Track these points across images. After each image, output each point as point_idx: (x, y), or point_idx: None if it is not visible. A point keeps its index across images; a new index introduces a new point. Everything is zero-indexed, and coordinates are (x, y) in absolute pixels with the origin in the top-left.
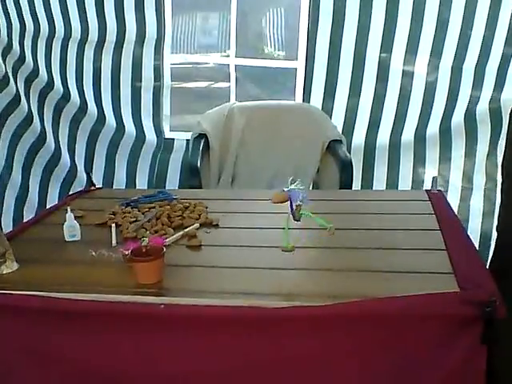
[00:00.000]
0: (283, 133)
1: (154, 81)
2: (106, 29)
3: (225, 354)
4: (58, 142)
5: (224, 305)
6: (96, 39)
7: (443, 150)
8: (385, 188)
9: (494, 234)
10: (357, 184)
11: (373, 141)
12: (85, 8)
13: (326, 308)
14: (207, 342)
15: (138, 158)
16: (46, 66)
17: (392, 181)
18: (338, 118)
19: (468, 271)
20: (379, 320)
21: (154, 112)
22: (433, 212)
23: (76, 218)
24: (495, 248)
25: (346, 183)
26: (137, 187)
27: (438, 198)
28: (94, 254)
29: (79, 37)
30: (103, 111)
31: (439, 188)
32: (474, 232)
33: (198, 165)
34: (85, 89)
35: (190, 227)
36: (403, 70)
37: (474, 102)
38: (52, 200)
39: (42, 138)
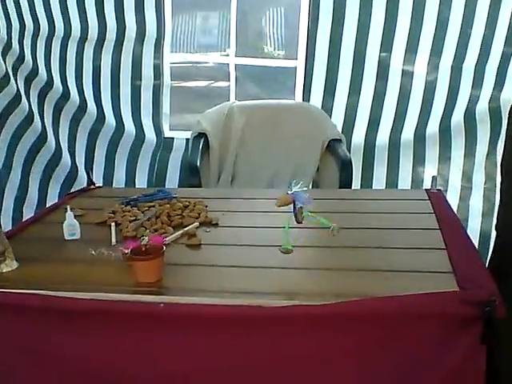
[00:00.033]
0: (283, 132)
1: (154, 80)
2: (105, 27)
3: (224, 352)
4: (59, 141)
5: (224, 304)
6: (96, 38)
7: (443, 150)
8: (384, 187)
9: (494, 234)
10: (356, 183)
11: (372, 140)
12: (85, 7)
13: (325, 307)
14: (207, 340)
15: (137, 157)
16: (45, 65)
17: (391, 180)
18: (337, 117)
19: (467, 271)
20: (379, 319)
21: (153, 111)
22: (432, 211)
23: (76, 216)
24: (494, 247)
25: (346, 182)
26: (136, 186)
27: (437, 198)
28: (93, 252)
29: (79, 35)
30: (103, 110)
31: (439, 187)
32: (473, 231)
33: (198, 164)
34: (84, 88)
35: (190, 226)
36: (403, 69)
37: (473, 101)
38: (52, 200)
39: (42, 138)
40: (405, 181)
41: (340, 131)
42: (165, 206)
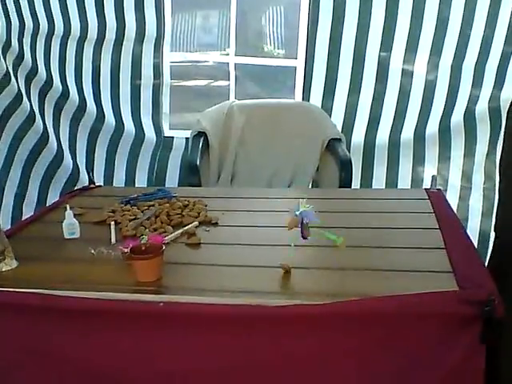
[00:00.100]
0: (283, 131)
1: (154, 79)
2: (105, 26)
3: (224, 352)
4: (60, 142)
5: (223, 303)
6: (95, 37)
7: (442, 149)
8: (384, 187)
9: (493, 234)
10: (356, 183)
11: (372, 139)
12: (84, 6)
13: (325, 307)
14: (206, 340)
15: (137, 156)
16: (45, 64)
17: (391, 179)
18: (337, 117)
19: (467, 270)
20: (378, 319)
21: (153, 110)
22: (432, 211)
23: (75, 215)
24: (493, 247)
25: (346, 182)
26: (136, 185)
27: (437, 197)
28: (93, 251)
29: (79, 34)
30: (102, 109)
31: (438, 187)
32: (472, 231)
33: (198, 163)
34: (84, 87)
35: (190, 225)
36: (403, 69)
37: (473, 100)
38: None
39: (44, 138)
40: (404, 180)
41: (340, 131)
42: (164, 205)
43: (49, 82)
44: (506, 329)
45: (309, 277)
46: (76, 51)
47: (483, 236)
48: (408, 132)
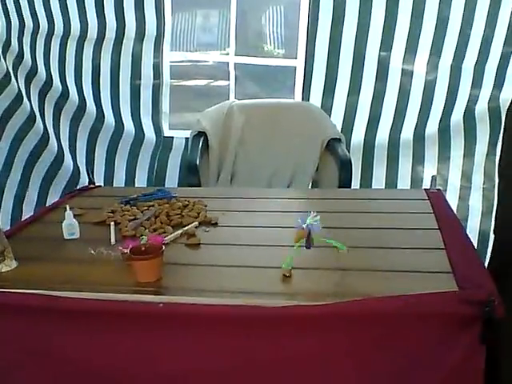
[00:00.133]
0: (282, 131)
1: (154, 79)
2: (105, 26)
3: (224, 352)
4: (60, 143)
5: (223, 304)
6: (95, 37)
7: (442, 149)
8: (384, 187)
9: (492, 234)
10: (356, 183)
11: (372, 139)
12: (84, 5)
13: (325, 307)
14: (206, 340)
15: (137, 156)
16: (44, 64)
17: (391, 180)
18: (337, 117)
19: (467, 270)
20: (378, 319)
21: (153, 110)
22: (432, 211)
23: (75, 216)
24: (493, 249)
25: (345, 182)
26: (136, 185)
27: (436, 197)
28: (92, 252)
29: (78, 34)
30: (102, 109)
31: (438, 187)
32: (472, 231)
33: (197, 163)
34: (84, 87)
35: (189, 226)
36: (403, 69)
37: (473, 100)
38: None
39: (44, 140)
40: (404, 180)
41: (339, 130)
42: (164, 205)
43: (48, 81)
44: (506, 329)
45: (308, 277)
46: (76, 51)
47: (483, 236)
48: (408, 132)
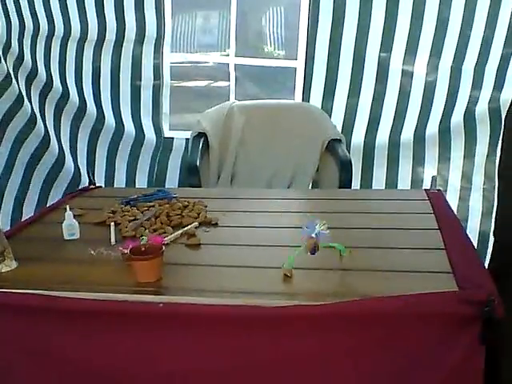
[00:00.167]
0: (283, 132)
1: (154, 80)
2: (105, 27)
3: (224, 352)
4: (61, 144)
5: (223, 304)
6: (95, 38)
7: (442, 150)
8: (384, 187)
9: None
10: (356, 183)
11: (372, 140)
12: (84, 7)
13: (325, 307)
14: (206, 340)
15: (137, 157)
16: (45, 65)
17: (391, 180)
18: (337, 118)
19: (467, 271)
20: (378, 319)
21: (153, 111)
22: (432, 211)
23: (75, 216)
24: (493, 249)
25: (346, 182)
26: (137, 186)
27: (437, 198)
28: (92, 252)
29: (79, 36)
30: (102, 110)
31: (438, 187)
32: (472, 231)
33: (198, 164)
34: (84, 88)
35: (189, 226)
36: (403, 70)
37: (473, 102)
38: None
39: (45, 142)
40: (404, 181)
41: (340, 131)
42: (164, 205)
43: (49, 83)
44: (507, 329)
45: (309, 277)
46: (76, 52)
47: (483, 236)
48: (408, 133)
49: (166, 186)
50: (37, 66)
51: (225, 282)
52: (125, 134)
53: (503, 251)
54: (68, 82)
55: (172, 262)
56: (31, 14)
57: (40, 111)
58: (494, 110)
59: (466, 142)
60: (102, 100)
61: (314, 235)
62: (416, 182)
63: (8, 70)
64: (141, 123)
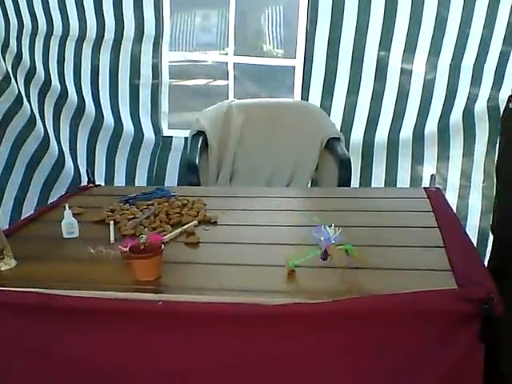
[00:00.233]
0: (282, 130)
1: (153, 78)
2: (104, 26)
3: (223, 350)
4: (61, 144)
5: (222, 302)
6: (94, 37)
7: (441, 148)
8: (383, 185)
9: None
10: (355, 182)
11: (371, 139)
12: (83, 5)
13: (324, 305)
14: (206, 338)
15: (137, 156)
16: (43, 64)
17: (390, 178)
18: (336, 116)
19: (466, 268)
20: (377, 317)
21: (152, 110)
22: (431, 209)
23: (74, 215)
24: (492, 247)
25: (345, 181)
26: (136, 185)
27: (436, 196)
28: (92, 251)
29: (77, 34)
30: (101, 109)
31: (437, 186)
32: (472, 230)
33: (197, 162)
34: (83, 87)
35: (189, 224)
36: (401, 68)
37: (472, 100)
38: None
39: (45, 142)
40: (403, 179)
41: (339, 130)
42: (163, 204)
43: (47, 82)
44: (506, 327)
45: (308, 275)
46: (75, 51)
47: (482, 234)
48: (407, 131)
49: (166, 185)
50: (35, 65)
51: (224, 280)
52: (124, 132)
53: (502, 249)
54: (66, 80)
55: (171, 260)
56: (30, 12)
57: (39, 111)
58: (492, 108)
59: (464, 140)
60: (101, 99)
61: (333, 241)
62: (415, 180)
63: (7, 69)
64: (140, 122)
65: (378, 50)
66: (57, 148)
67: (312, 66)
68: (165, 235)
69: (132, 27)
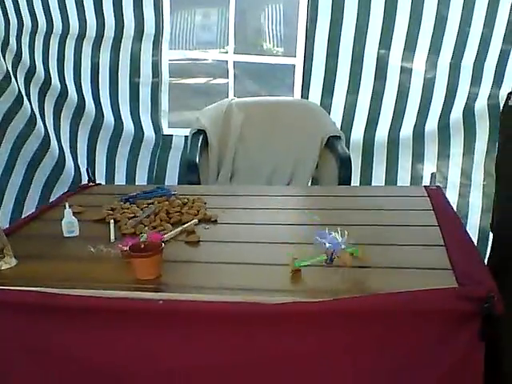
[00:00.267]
0: (282, 129)
1: (153, 77)
2: (104, 25)
3: (223, 349)
4: (61, 144)
5: (223, 300)
6: (94, 35)
7: (442, 147)
8: (383, 184)
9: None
10: (355, 180)
11: (371, 137)
12: (83, 4)
13: (325, 304)
14: (206, 337)
15: (137, 155)
16: (43, 63)
17: (391, 177)
18: (336, 115)
19: (466, 267)
20: (378, 315)
21: (152, 108)
22: (431, 208)
23: (74, 213)
24: (492, 245)
25: (345, 179)
26: (136, 183)
27: (436, 194)
28: (92, 250)
29: (77, 33)
30: (101, 108)
31: (438, 184)
32: (472, 228)
33: (197, 161)
34: (83, 85)
35: (189, 223)
36: (401, 67)
37: (472, 98)
38: None
39: (45, 143)
40: (404, 178)
41: (339, 128)
42: (163, 203)
43: (47, 81)
44: (506, 325)
45: (308, 274)
46: (74, 49)
47: (483, 233)
48: (407, 129)
49: (166, 184)
50: (35, 63)
51: (224, 279)
52: (124, 131)
53: (502, 247)
54: (66, 79)
55: (171, 259)
56: (29, 11)
57: (39, 110)
58: (493, 107)
59: (465, 139)
60: (101, 97)
61: (343, 247)
62: (415, 178)
63: (7, 68)
64: (140, 121)
65: (378, 49)
66: (57, 147)
67: (312, 65)
68: (165, 234)
69: (132, 25)
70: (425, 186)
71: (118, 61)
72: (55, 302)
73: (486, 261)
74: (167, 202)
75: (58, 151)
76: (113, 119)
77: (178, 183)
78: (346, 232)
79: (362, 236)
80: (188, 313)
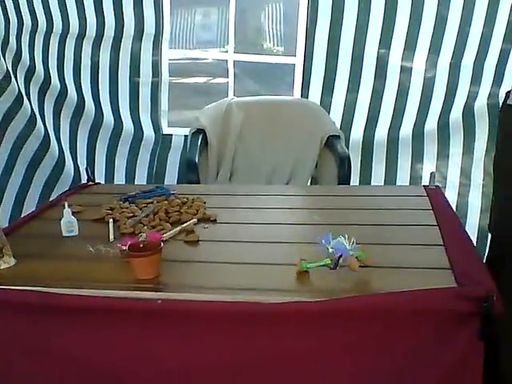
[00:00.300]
0: (281, 128)
1: (152, 76)
2: (104, 24)
3: (223, 348)
4: (61, 143)
5: (222, 300)
6: (94, 35)
7: (441, 146)
8: (383, 184)
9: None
10: (355, 179)
11: (371, 136)
12: (83, 3)
13: (324, 303)
14: (206, 337)
15: (137, 154)
16: (43, 63)
17: (390, 176)
18: (336, 114)
19: (465, 267)
20: (377, 315)
21: (152, 108)
22: (430, 208)
23: (73, 213)
24: (490, 245)
25: (345, 178)
26: (136, 183)
27: (435, 194)
28: (91, 249)
29: (77, 32)
30: (101, 107)
31: (437, 184)
32: (471, 228)
33: (196, 160)
34: (82, 85)
35: (188, 222)
36: (401, 66)
37: (472, 98)
38: None
39: (45, 143)
40: (403, 177)
41: (338, 127)
42: (163, 202)
43: (47, 80)
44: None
45: (307, 274)
46: (74, 49)
47: (482, 233)
48: (407, 129)
49: (165, 183)
50: (35, 62)
51: (224, 279)
52: (123, 130)
53: (500, 246)
54: (66, 79)
55: (171, 258)
56: (29, 10)
57: (39, 110)
58: (492, 106)
59: (464, 138)
60: (101, 97)
61: (351, 253)
62: (415, 178)
63: (7, 67)
64: (139, 120)
65: (378, 48)
66: (57, 147)
67: (312, 64)
68: (164, 233)
69: (132, 25)
70: (424, 186)
71: (118, 60)
72: (54, 302)
73: (484, 260)
74: (166, 202)
75: (57, 151)
76: (112, 118)
77: (178, 182)
78: (354, 239)
79: (361, 236)
80: (187, 312)
